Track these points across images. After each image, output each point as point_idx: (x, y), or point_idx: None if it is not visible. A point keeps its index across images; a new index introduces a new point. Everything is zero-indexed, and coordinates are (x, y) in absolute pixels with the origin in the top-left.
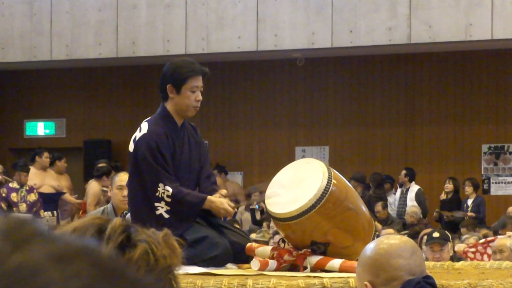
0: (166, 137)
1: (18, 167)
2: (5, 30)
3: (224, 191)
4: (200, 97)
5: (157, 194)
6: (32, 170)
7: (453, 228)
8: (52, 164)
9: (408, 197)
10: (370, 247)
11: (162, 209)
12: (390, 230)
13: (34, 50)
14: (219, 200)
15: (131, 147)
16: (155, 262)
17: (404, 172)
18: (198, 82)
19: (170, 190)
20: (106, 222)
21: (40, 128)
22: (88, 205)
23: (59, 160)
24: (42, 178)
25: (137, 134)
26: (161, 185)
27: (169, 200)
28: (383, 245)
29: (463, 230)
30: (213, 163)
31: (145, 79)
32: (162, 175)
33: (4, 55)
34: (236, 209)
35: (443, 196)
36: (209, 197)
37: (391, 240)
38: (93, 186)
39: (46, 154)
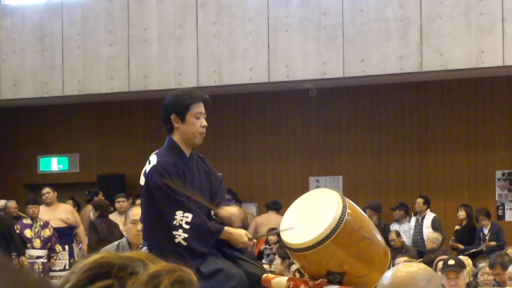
0: (176, 166)
1: (29, 201)
2: (17, 66)
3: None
4: (205, 123)
5: (174, 222)
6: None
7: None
8: (89, 201)
9: (424, 225)
10: (387, 275)
11: (180, 237)
12: (405, 259)
13: (46, 86)
14: (237, 232)
15: (142, 181)
16: None
17: (422, 200)
18: (201, 108)
19: (190, 216)
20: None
21: (54, 164)
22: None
23: (96, 195)
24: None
25: (147, 167)
26: (179, 212)
27: (187, 227)
28: (399, 274)
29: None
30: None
31: (157, 112)
32: (179, 202)
33: (16, 91)
34: (254, 241)
35: (457, 227)
36: (226, 228)
37: (407, 268)
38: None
39: (101, 193)
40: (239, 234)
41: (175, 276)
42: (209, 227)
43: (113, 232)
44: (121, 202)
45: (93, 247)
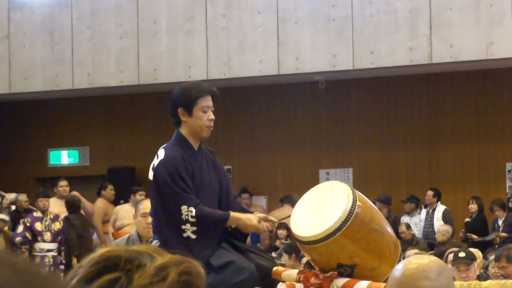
0: (184, 160)
1: (39, 194)
2: (27, 60)
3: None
4: (212, 116)
5: (182, 217)
6: (102, 203)
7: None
8: (98, 194)
9: (435, 217)
10: (398, 268)
11: (188, 231)
12: (415, 251)
13: (56, 79)
14: (246, 217)
15: (150, 175)
16: None
17: (432, 192)
18: (208, 101)
19: (194, 210)
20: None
21: (64, 157)
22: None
23: (104, 189)
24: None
25: (155, 162)
26: (184, 207)
27: (194, 220)
28: (410, 266)
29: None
30: (238, 188)
31: (167, 105)
32: (183, 197)
33: (26, 85)
34: (266, 226)
35: (467, 219)
36: (233, 213)
37: (418, 260)
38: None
39: (111, 186)
40: (248, 218)
41: (183, 267)
42: (215, 216)
43: (87, 228)
44: (144, 195)
45: (74, 242)
